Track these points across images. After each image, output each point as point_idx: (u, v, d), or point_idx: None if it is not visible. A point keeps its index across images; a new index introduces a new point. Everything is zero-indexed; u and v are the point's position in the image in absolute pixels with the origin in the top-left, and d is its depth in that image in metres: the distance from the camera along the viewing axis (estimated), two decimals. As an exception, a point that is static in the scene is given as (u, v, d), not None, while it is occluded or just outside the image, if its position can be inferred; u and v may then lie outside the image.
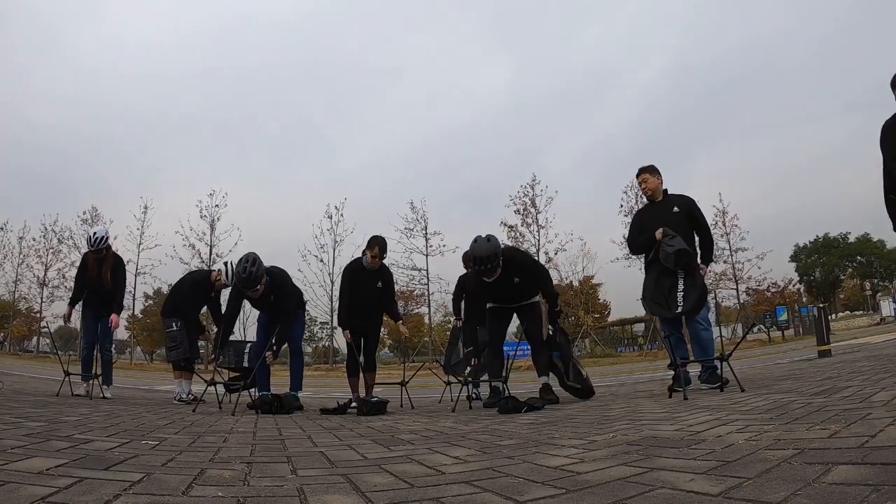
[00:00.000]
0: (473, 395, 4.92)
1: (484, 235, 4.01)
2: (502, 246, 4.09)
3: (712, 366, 4.04)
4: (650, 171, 4.40)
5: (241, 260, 4.35)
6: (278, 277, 4.54)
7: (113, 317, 5.22)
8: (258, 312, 4.77)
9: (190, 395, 5.02)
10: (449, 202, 64.57)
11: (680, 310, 3.93)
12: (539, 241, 23.57)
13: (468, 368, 4.85)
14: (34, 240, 27.15)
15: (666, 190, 4.42)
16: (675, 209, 4.24)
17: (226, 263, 5.39)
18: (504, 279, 4.08)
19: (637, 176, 4.49)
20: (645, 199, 4.60)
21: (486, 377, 4.62)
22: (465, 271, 5.32)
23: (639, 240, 4.38)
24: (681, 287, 3.95)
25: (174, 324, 5.24)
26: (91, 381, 5.08)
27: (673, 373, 3.98)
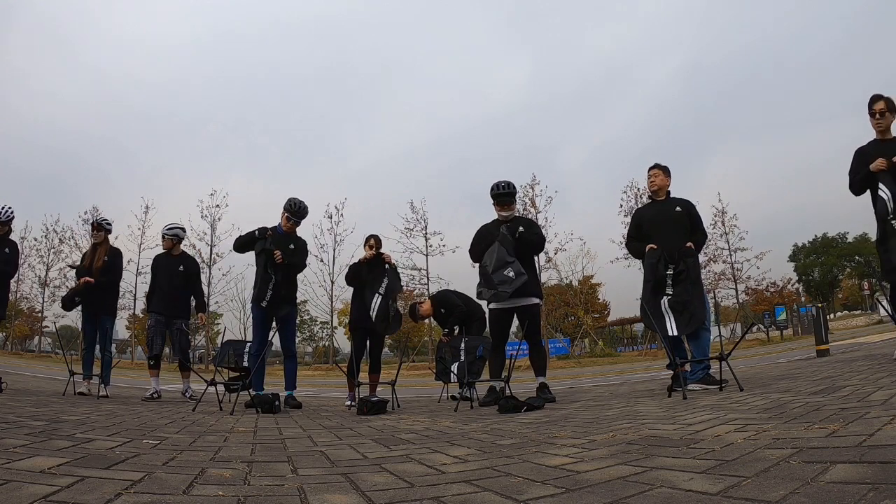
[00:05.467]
0: (459, 395, 4.97)
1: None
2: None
3: (706, 366, 4.07)
4: (663, 169, 4.48)
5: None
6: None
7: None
8: (258, 313, 4.78)
9: (155, 394, 5.18)
10: (458, 201, 64.83)
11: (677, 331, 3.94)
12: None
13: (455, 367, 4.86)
14: (36, 240, 27.32)
15: (669, 192, 4.47)
16: (678, 208, 4.33)
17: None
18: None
19: (649, 169, 4.52)
20: (645, 199, 4.64)
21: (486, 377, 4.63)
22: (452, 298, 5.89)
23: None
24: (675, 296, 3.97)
25: (149, 319, 5.54)
26: (90, 380, 5.15)
27: (672, 373, 3.99)
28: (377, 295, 4.64)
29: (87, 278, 5.17)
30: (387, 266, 4.79)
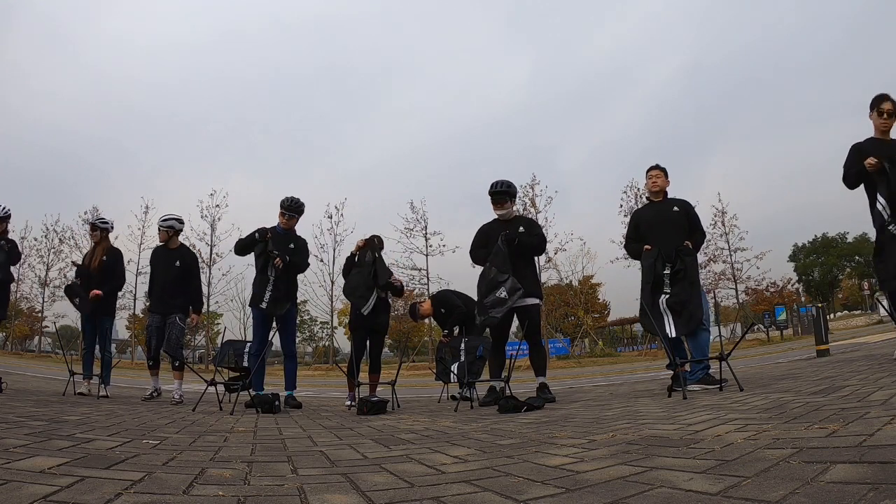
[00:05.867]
0: (459, 395, 4.97)
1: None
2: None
3: (706, 366, 4.07)
4: (663, 170, 4.48)
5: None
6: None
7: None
8: (258, 313, 4.78)
9: (154, 393, 5.23)
10: (458, 201, 64.86)
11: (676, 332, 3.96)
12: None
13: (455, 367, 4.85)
14: (36, 240, 27.31)
15: (666, 193, 4.48)
16: (675, 208, 4.35)
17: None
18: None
19: (649, 170, 4.51)
20: (645, 199, 4.64)
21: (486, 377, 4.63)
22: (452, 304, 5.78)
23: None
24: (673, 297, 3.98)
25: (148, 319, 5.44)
26: (90, 380, 5.16)
27: (672, 373, 3.99)
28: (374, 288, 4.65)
29: (96, 291, 5.15)
30: (375, 255, 4.78)
